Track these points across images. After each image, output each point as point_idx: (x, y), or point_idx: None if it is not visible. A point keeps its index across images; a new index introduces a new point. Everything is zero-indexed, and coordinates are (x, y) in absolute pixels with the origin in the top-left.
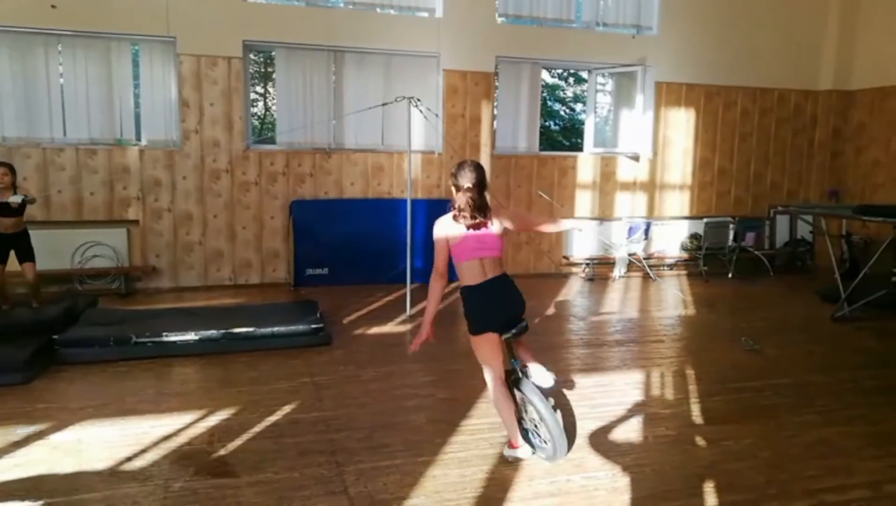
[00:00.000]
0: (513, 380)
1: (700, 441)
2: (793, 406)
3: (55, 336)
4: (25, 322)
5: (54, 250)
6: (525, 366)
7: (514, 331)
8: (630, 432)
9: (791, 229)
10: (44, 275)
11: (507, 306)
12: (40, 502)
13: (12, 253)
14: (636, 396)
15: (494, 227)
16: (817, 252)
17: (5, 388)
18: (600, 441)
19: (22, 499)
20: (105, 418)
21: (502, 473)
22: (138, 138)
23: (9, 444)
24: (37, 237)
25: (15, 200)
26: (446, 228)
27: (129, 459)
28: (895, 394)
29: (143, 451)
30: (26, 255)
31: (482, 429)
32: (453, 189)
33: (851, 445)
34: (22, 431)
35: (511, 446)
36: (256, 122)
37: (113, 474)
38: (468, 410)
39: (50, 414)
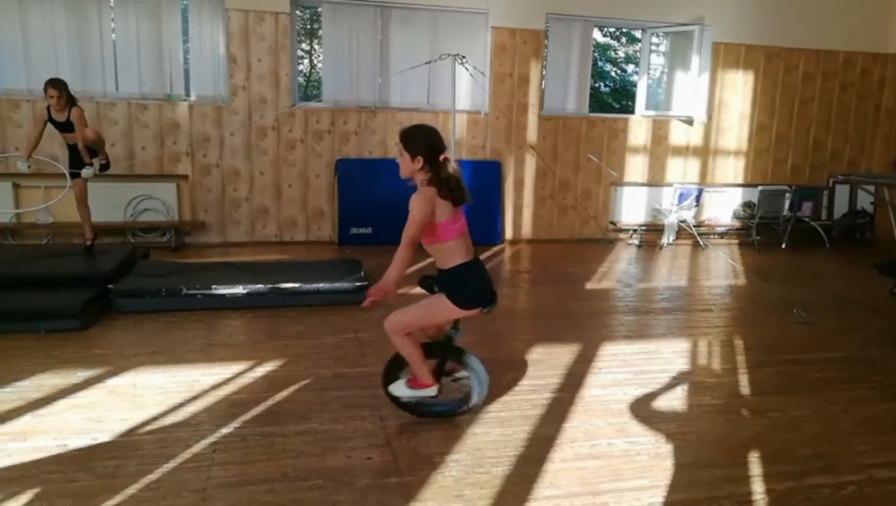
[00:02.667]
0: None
1: (746, 412)
2: (845, 381)
3: (110, 286)
4: (82, 271)
5: (108, 203)
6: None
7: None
8: (674, 400)
9: (851, 200)
10: (98, 226)
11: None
12: (100, 442)
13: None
14: (681, 364)
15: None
16: (878, 225)
17: (64, 333)
18: (643, 408)
19: (83, 436)
20: (157, 366)
21: (543, 433)
22: (187, 94)
23: (70, 386)
24: (92, 190)
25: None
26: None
27: (180, 405)
28: None
29: (194, 398)
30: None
31: (524, 390)
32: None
33: None
34: (81, 374)
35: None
36: (302, 80)
37: (166, 418)
38: (509, 371)
39: (106, 360)
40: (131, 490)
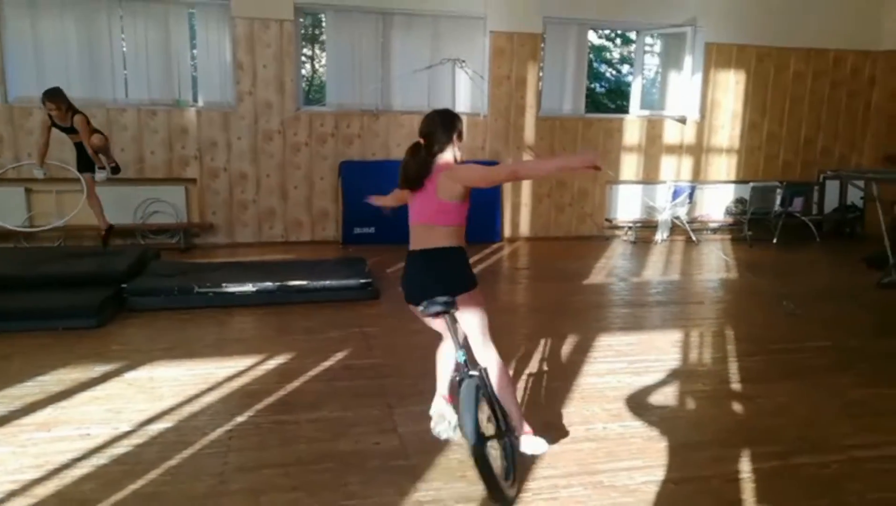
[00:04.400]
0: (459, 379)
1: (735, 398)
2: (831, 368)
3: (124, 285)
4: (97, 272)
5: (118, 206)
6: (481, 371)
7: (421, 308)
8: (666, 386)
9: (841, 195)
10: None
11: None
12: (121, 431)
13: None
14: (674, 354)
15: (437, 188)
16: (867, 220)
17: (82, 331)
18: (637, 394)
19: (104, 426)
20: (173, 360)
21: (541, 419)
22: (195, 100)
23: (89, 379)
24: (103, 193)
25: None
26: None
27: (196, 396)
28: None
29: (209, 389)
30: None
31: (523, 380)
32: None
33: (888, 407)
34: (100, 368)
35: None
36: (305, 85)
37: (183, 409)
38: (509, 361)
39: (123, 355)
40: (153, 475)
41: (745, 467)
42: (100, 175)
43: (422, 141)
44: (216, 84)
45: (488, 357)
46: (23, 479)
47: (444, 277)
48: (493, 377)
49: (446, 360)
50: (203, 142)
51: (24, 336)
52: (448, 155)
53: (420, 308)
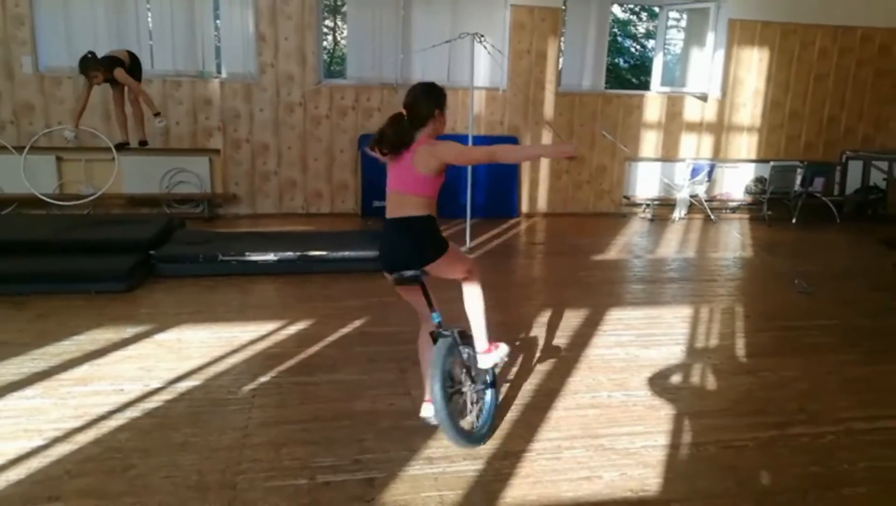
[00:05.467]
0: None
1: (739, 372)
2: (837, 346)
3: (152, 252)
4: (126, 238)
5: (145, 175)
6: (463, 331)
7: (395, 276)
8: (672, 359)
9: (864, 176)
10: (136, 197)
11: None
12: (152, 387)
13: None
14: (682, 328)
15: (414, 159)
16: (890, 201)
17: (112, 294)
18: (642, 365)
19: (136, 382)
20: (199, 324)
21: (549, 386)
22: (219, 71)
23: (121, 340)
24: (130, 163)
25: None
26: None
27: (221, 357)
28: None
29: (234, 352)
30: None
31: (533, 349)
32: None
33: (887, 383)
34: (131, 329)
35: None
36: (326, 57)
37: (209, 369)
38: (520, 332)
39: (152, 318)
40: (182, 427)
41: (744, 435)
42: (159, 123)
43: (405, 112)
44: (239, 56)
45: (466, 286)
46: (65, 427)
47: (417, 247)
48: (468, 300)
49: (428, 348)
50: (226, 113)
51: (58, 298)
52: (430, 128)
53: (391, 278)
